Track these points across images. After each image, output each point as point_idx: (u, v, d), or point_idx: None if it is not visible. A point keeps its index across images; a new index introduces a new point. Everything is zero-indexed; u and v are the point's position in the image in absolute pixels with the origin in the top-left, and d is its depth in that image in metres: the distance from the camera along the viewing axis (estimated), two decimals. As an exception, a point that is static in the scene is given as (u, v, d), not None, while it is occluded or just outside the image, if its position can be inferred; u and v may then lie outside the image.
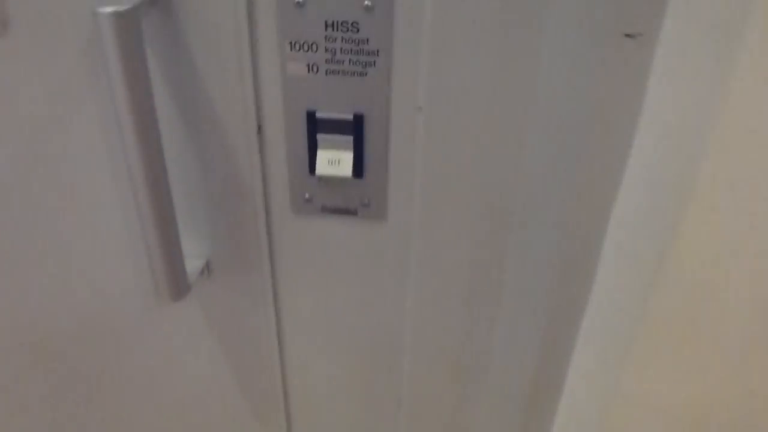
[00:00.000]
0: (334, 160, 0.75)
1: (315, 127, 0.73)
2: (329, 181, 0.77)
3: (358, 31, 0.67)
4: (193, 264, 0.85)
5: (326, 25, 0.67)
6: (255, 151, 0.76)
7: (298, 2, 0.66)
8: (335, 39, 0.68)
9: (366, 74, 0.70)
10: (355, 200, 0.79)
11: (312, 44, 0.68)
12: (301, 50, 0.69)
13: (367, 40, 0.68)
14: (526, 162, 0.74)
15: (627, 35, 0.63)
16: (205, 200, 0.81)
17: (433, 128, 0.73)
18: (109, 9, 0.60)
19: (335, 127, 0.73)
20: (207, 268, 0.86)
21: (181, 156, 0.77)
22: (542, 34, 0.65)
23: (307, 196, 0.79)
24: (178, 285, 0.74)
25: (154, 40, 0.70)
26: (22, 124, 0.75)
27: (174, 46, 0.70)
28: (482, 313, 0.89)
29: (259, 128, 0.74)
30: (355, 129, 0.73)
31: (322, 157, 0.75)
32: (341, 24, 0.67)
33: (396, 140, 0.74)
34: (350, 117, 0.72)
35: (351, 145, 0.74)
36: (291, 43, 0.68)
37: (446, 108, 0.71)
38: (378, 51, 0.68)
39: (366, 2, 0.66)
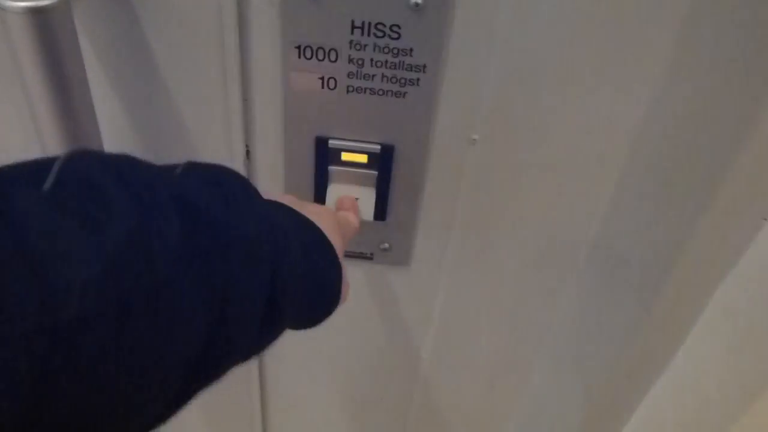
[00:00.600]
0: (350, 200, 0.55)
1: (326, 157, 0.53)
2: (341, 224, 0.57)
3: (399, 37, 0.46)
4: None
5: (353, 27, 0.46)
6: (241, 181, 0.55)
7: (315, -8, 0.44)
8: (364, 46, 0.47)
9: (404, 95, 0.49)
10: (373, 244, 0.60)
11: (330, 51, 0.47)
12: (314, 58, 0.48)
13: (411, 50, 0.47)
14: (607, 203, 0.55)
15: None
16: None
17: (489, 164, 0.53)
18: (21, 3, 0.38)
19: (354, 159, 0.53)
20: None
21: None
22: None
23: (308, 236, 0.59)
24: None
25: (99, 35, 0.48)
26: None
27: (136, 44, 0.48)
28: (507, 383, 0.72)
29: (248, 153, 0.54)
30: (381, 163, 0.53)
31: (335, 195, 0.55)
32: (376, 26, 0.46)
33: (435, 177, 0.55)
34: (377, 148, 0.52)
35: (374, 181, 0.54)
36: (299, 47, 0.47)
37: (510, 141, 0.51)
38: (424, 66, 0.48)
39: (414, -2, 0.44)
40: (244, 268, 0.28)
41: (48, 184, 0.21)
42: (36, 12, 0.38)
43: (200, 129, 0.52)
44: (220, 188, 0.29)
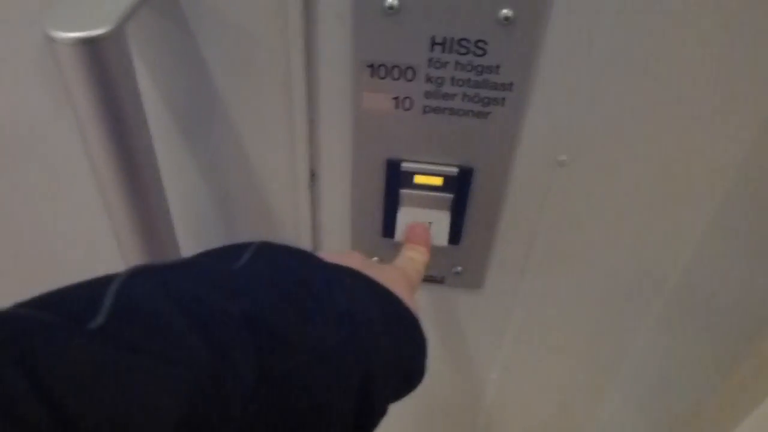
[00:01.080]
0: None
1: (398, 180, 0.48)
2: (411, 249, 0.53)
3: (484, 53, 0.41)
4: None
5: (433, 43, 0.41)
6: (305, 205, 0.51)
7: (390, 6, 0.39)
8: (445, 63, 0.42)
9: (488, 115, 0.44)
10: (445, 268, 0.56)
11: (407, 69, 0.42)
12: (389, 77, 0.43)
13: (497, 67, 0.42)
14: (697, 242, 0.50)
15: None
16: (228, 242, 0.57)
17: (576, 189, 0.48)
18: (71, 34, 0.34)
19: (428, 182, 0.48)
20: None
21: (206, 205, 0.52)
22: None
23: (375, 260, 0.55)
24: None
25: (155, 57, 0.44)
26: None
27: (193, 63, 0.44)
28: (579, 408, 0.67)
29: (313, 175, 0.50)
30: (458, 186, 0.48)
31: (406, 219, 0.50)
32: (459, 42, 0.41)
33: (515, 201, 0.50)
34: (454, 171, 0.47)
35: (449, 205, 0.49)
36: (372, 66, 0.42)
37: (600, 166, 0.46)
38: (511, 84, 0.42)
39: (504, 11, 0.39)
40: (329, 390, 0.24)
41: (101, 318, 0.17)
42: (88, 42, 0.34)
43: (262, 151, 0.48)
44: (295, 289, 0.25)
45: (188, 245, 0.55)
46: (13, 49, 0.45)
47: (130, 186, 0.40)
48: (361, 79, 0.44)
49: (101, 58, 0.35)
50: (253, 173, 0.50)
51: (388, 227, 0.52)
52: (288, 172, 0.49)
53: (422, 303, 0.60)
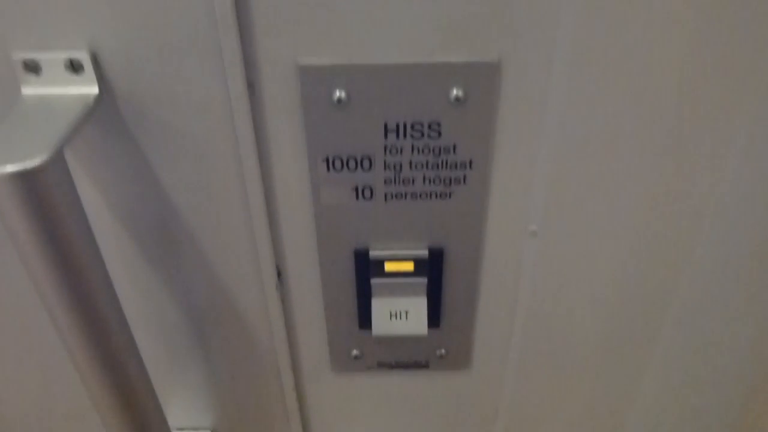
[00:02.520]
0: (399, 312, 0.49)
1: (367, 269, 0.47)
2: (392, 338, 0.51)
3: (439, 135, 0.40)
4: (192, 442, 0.59)
5: (386, 130, 0.40)
6: (274, 304, 0.49)
7: (339, 99, 0.38)
8: (401, 149, 0.41)
9: (450, 195, 0.43)
10: (428, 352, 0.53)
11: (363, 159, 0.41)
12: (345, 169, 0.42)
13: (455, 147, 0.41)
14: (685, 291, 0.49)
15: None
16: (206, 361, 0.54)
17: (551, 255, 0.47)
18: (4, 168, 0.32)
19: (399, 268, 0.47)
20: (212, 446, 0.60)
21: (176, 322, 0.50)
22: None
23: (355, 353, 0.53)
24: None
25: (103, 171, 0.42)
26: None
27: (142, 178, 0.42)
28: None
29: (279, 274, 0.48)
30: (431, 268, 0.47)
31: (381, 309, 0.48)
32: (413, 127, 0.40)
33: (491, 275, 0.48)
34: (424, 253, 0.46)
35: (424, 289, 0.48)
36: (328, 159, 0.41)
37: (571, 230, 0.45)
38: (470, 162, 0.41)
39: (455, 92, 0.38)
40: None
41: None
42: (25, 175, 0.32)
43: (227, 259, 0.47)
44: None
45: (161, 361, 0.53)
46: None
47: (88, 320, 0.37)
48: (318, 174, 0.42)
49: (40, 190, 0.33)
50: (220, 282, 0.48)
51: (364, 319, 0.50)
52: (254, 275, 0.47)
53: (408, 390, 0.57)
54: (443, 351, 0.54)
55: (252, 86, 0.39)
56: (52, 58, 0.38)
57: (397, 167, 0.42)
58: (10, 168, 0.32)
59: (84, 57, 0.38)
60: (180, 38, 0.37)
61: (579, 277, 0.48)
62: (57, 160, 0.34)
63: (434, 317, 0.50)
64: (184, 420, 0.59)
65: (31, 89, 0.38)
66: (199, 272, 0.47)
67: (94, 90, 0.38)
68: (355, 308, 0.50)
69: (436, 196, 0.43)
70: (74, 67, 0.38)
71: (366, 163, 0.42)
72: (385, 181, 0.43)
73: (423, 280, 0.48)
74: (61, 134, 0.35)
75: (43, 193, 0.33)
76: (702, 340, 0.52)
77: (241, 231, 0.45)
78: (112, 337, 0.40)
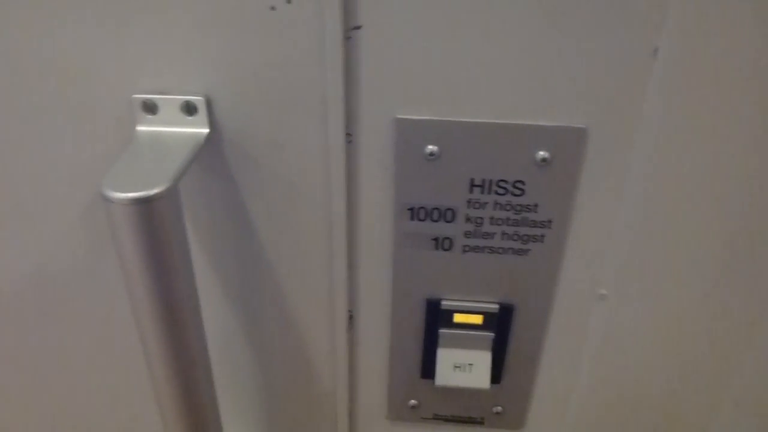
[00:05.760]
0: (464, 365, 0.49)
1: (437, 319, 0.48)
2: (452, 389, 0.51)
3: (522, 193, 0.42)
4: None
5: (472, 185, 0.42)
6: (342, 346, 0.50)
7: (431, 152, 0.41)
8: (484, 204, 0.43)
9: (527, 252, 0.44)
10: (485, 409, 0.54)
11: (447, 211, 0.43)
12: (428, 219, 0.44)
13: (536, 206, 0.43)
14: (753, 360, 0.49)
15: None
16: (263, 394, 0.55)
17: (621, 319, 0.47)
18: (127, 195, 0.34)
19: (468, 320, 0.48)
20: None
21: (242, 351, 0.51)
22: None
23: (413, 402, 0.53)
24: None
25: (197, 208, 0.45)
26: None
27: (235, 215, 0.45)
28: None
29: (351, 318, 0.49)
30: (499, 324, 0.48)
31: (446, 360, 0.49)
32: (498, 183, 0.42)
33: (557, 336, 0.49)
34: (495, 308, 0.47)
35: (489, 344, 0.49)
36: (413, 209, 0.43)
37: (641, 294, 0.46)
38: (550, 221, 0.43)
39: (541, 153, 0.40)
40: None
41: None
42: (143, 202, 0.35)
43: (302, 297, 0.48)
44: None
45: (224, 388, 0.54)
46: (63, 204, 0.46)
47: (175, 346, 0.39)
48: (402, 222, 0.44)
49: (156, 217, 0.35)
50: (292, 319, 0.50)
51: (427, 368, 0.51)
52: (326, 316, 0.49)
53: (461, 446, 0.58)
54: (500, 408, 0.54)
55: (350, 136, 0.41)
56: (170, 100, 0.40)
57: (479, 221, 0.44)
58: (132, 195, 0.35)
59: (199, 101, 0.40)
60: (289, 90, 0.40)
61: (645, 345, 0.49)
62: (173, 190, 0.36)
63: (496, 373, 0.51)
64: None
65: (145, 127, 0.41)
66: (274, 307, 0.49)
67: (205, 130, 0.41)
68: (419, 357, 0.51)
69: (513, 252, 0.45)
70: (189, 109, 0.41)
71: (449, 215, 0.44)
72: (465, 234, 0.44)
73: (490, 335, 0.49)
74: (177, 167, 0.37)
75: (158, 221, 0.36)
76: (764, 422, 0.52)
77: (321, 272, 0.47)
78: (193, 356, 0.41)
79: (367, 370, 0.53)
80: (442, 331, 0.49)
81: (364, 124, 0.41)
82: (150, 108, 0.41)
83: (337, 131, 0.41)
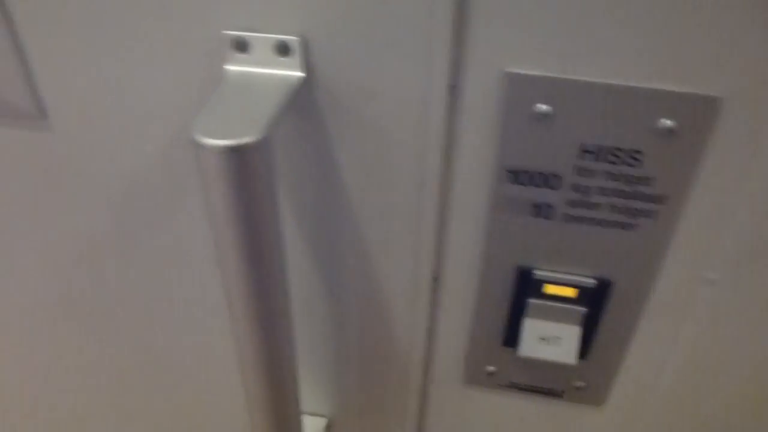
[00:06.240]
0: (551, 338, 0.47)
1: (527, 288, 0.45)
2: (533, 360, 0.49)
3: (638, 164, 0.38)
4: (313, 424, 0.60)
5: (582, 151, 0.38)
6: (423, 309, 0.48)
7: (541, 112, 0.37)
8: (594, 172, 0.39)
9: (634, 227, 0.41)
10: (566, 382, 0.51)
11: (552, 177, 0.40)
12: (531, 184, 0.40)
13: (651, 179, 0.38)
14: None
15: None
16: (338, 348, 0.54)
17: (725, 309, 0.44)
18: (219, 142, 0.32)
19: (560, 293, 0.45)
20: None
21: (320, 302, 0.50)
22: None
23: (490, 369, 0.51)
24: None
25: (286, 155, 0.43)
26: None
27: (320, 161, 0.42)
28: None
29: (436, 279, 0.47)
30: (593, 299, 0.44)
31: (532, 330, 0.47)
32: (611, 151, 0.38)
33: (653, 318, 0.45)
34: (592, 283, 0.44)
35: (581, 318, 0.45)
36: (515, 171, 0.40)
37: (754, 282, 0.42)
38: (665, 197, 0.39)
39: (664, 122, 0.36)
40: None
41: None
42: (236, 150, 0.33)
43: (386, 252, 0.46)
44: None
45: (300, 343, 0.53)
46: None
47: (260, 298, 0.38)
48: (501, 185, 0.41)
49: (249, 167, 0.33)
50: (374, 273, 0.48)
51: (510, 337, 0.49)
52: (410, 275, 0.47)
53: (534, 416, 0.56)
54: (582, 383, 0.52)
55: (454, 88, 0.38)
56: (262, 39, 0.38)
57: (585, 190, 0.40)
58: (225, 142, 0.33)
59: (293, 41, 0.38)
60: (391, 33, 0.36)
61: (751, 337, 0.45)
62: (267, 139, 0.34)
63: (583, 348, 0.48)
64: (303, 403, 0.59)
65: (236, 66, 0.39)
66: (357, 261, 0.47)
67: (299, 73, 0.38)
68: (503, 324, 0.48)
69: (619, 226, 0.41)
70: (282, 49, 0.38)
71: (554, 181, 0.40)
72: (568, 203, 0.41)
73: (582, 310, 0.46)
74: (271, 114, 0.35)
75: (250, 171, 0.34)
76: None
77: (409, 228, 0.44)
78: (277, 308, 0.40)
79: (448, 332, 0.51)
80: (531, 301, 0.46)
81: (470, 76, 0.38)
82: (241, 46, 0.38)
83: (440, 81, 0.38)
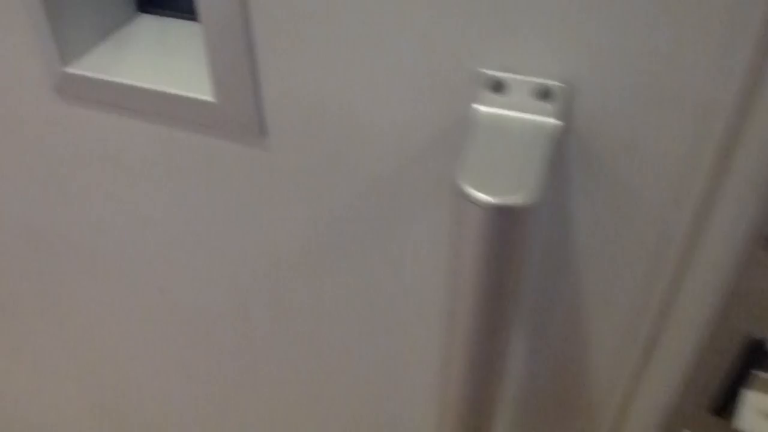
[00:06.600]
0: (773, 414, 0.43)
1: (753, 359, 0.41)
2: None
3: None
4: None
5: None
6: (631, 364, 0.45)
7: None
8: None
9: None
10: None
11: (820, 252, 0.36)
12: (791, 255, 0.36)
13: None
14: None
15: None
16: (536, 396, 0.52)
17: None
18: (492, 199, 0.30)
19: (795, 369, 0.41)
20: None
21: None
22: None
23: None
24: None
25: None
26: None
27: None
28: None
29: (650, 338, 0.44)
30: (832, 380, 0.40)
31: (754, 404, 0.43)
32: None
33: None
34: (833, 364, 0.40)
35: (811, 398, 0.41)
36: (773, 241, 0.36)
37: None
38: None
39: None
40: None
41: None
42: (507, 210, 0.31)
43: (603, 311, 0.43)
44: None
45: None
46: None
47: (482, 352, 0.36)
48: (756, 252, 0.38)
49: (516, 229, 0.31)
50: (587, 326, 0.45)
51: (722, 407, 0.45)
52: (624, 332, 0.44)
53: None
54: (790, 460, 0.47)
55: (725, 149, 0.35)
56: (522, 82, 0.35)
57: None
58: (497, 201, 0.30)
59: (556, 86, 0.35)
60: (665, 88, 0.33)
61: None
62: (539, 202, 0.32)
63: (807, 428, 0.44)
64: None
65: (488, 107, 0.37)
66: (570, 313, 0.45)
67: (556, 121, 0.36)
68: (715, 391, 0.45)
69: None
70: (543, 94, 0.36)
71: (823, 258, 0.36)
72: (832, 280, 0.37)
73: (816, 389, 0.42)
74: (540, 170, 0.32)
75: (517, 235, 0.31)
76: None
77: (636, 287, 0.41)
78: (493, 372, 0.38)
79: (648, 390, 0.47)
80: (757, 373, 0.42)
81: (747, 135, 0.34)
82: (497, 86, 0.36)
83: (710, 141, 0.34)
